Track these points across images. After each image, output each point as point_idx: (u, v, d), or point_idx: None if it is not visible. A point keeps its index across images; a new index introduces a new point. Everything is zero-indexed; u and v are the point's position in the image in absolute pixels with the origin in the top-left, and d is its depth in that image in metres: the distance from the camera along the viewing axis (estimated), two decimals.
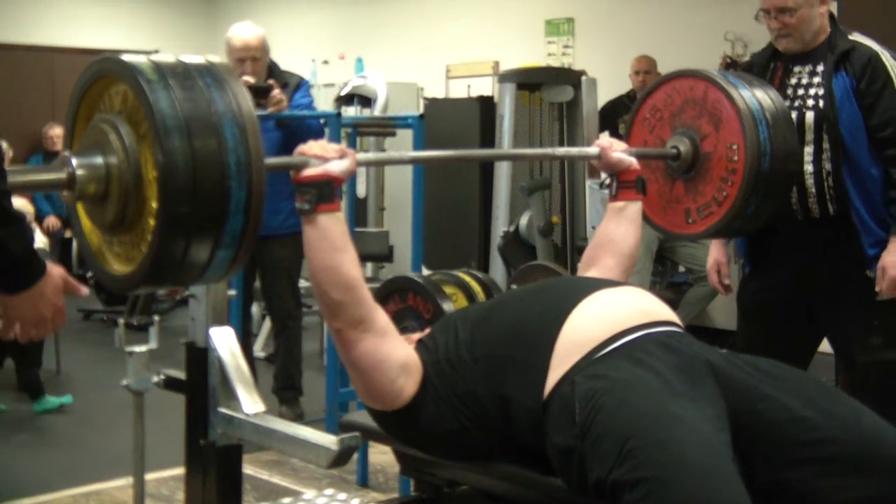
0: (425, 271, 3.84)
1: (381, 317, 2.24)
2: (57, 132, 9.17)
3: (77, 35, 10.74)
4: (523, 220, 5.86)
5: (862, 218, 3.16)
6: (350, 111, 7.68)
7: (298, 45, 9.87)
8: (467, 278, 2.84)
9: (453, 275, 2.86)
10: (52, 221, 8.68)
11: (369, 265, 7.46)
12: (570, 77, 6.63)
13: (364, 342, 2.20)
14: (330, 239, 2.19)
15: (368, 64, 9.16)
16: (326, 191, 2.18)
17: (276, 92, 4.73)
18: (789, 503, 2.05)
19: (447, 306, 2.64)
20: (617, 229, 2.71)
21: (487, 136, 7.21)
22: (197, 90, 1.89)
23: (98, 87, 2.01)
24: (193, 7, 11.55)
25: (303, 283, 5.53)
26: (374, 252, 7.04)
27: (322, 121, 4.96)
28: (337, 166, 2.20)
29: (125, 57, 1.92)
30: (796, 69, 3.27)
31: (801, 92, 3.24)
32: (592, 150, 2.78)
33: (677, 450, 1.87)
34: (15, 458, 4.74)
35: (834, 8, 3.34)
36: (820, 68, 3.22)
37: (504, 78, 6.73)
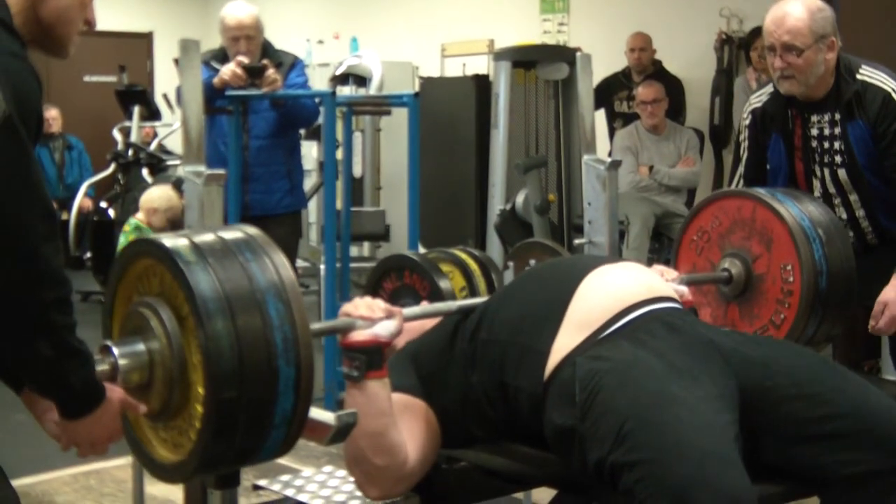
0: (422, 249, 3.85)
1: (412, 452, 2.20)
2: (52, 114, 9.15)
3: None
4: (520, 198, 5.87)
5: None
6: (345, 90, 7.67)
7: (293, 24, 9.84)
8: (464, 256, 2.84)
9: (450, 253, 2.86)
10: None
11: (366, 244, 7.48)
12: (566, 54, 6.63)
13: (410, 484, 2.21)
14: (377, 405, 2.13)
15: (363, 43, 9.14)
16: (376, 358, 2.14)
17: (271, 72, 4.72)
18: (797, 478, 2.07)
19: (444, 284, 2.65)
20: None
21: (483, 114, 7.20)
22: (237, 267, 1.83)
23: (135, 269, 1.95)
24: None
25: (300, 263, 5.54)
26: (371, 231, 7.05)
27: (317, 100, 4.96)
28: (385, 329, 2.16)
29: (163, 239, 1.87)
30: (814, 118, 3.18)
31: (826, 145, 3.17)
32: None
33: (676, 432, 1.87)
34: (14, 438, 4.75)
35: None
36: (837, 117, 3.14)
37: (499, 56, 6.73)
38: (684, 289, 2.57)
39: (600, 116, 6.94)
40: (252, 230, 1.94)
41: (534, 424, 2.15)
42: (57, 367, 1.76)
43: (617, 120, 7.06)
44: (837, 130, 3.14)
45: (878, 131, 3.07)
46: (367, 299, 2.22)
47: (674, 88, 6.81)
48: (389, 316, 2.18)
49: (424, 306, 2.50)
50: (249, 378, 1.78)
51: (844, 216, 3.19)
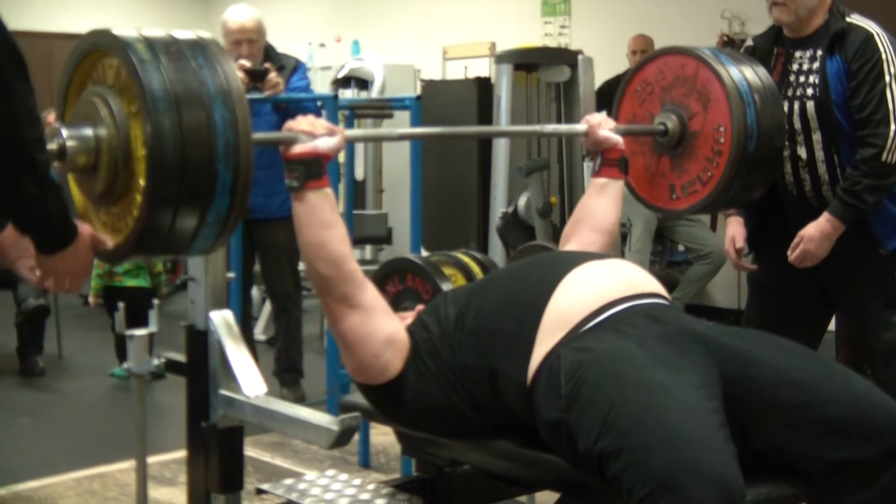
0: (424, 253, 3.85)
1: (369, 292, 2.27)
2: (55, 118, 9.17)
3: (74, 21, 10.70)
4: (521, 201, 5.85)
5: None
6: (347, 94, 7.67)
7: (295, 27, 9.85)
8: (466, 259, 2.84)
9: (452, 256, 2.86)
10: None
11: (368, 247, 7.48)
12: (567, 57, 6.62)
13: (351, 317, 2.23)
14: (318, 215, 2.22)
15: (365, 46, 9.14)
16: (315, 168, 2.21)
17: (273, 75, 4.72)
18: (782, 464, 2.08)
19: (446, 287, 2.65)
20: (597, 205, 2.74)
21: (485, 117, 7.20)
22: (189, 71, 1.92)
23: (91, 58, 2.04)
24: None
25: (302, 267, 5.53)
26: (373, 234, 7.04)
27: (319, 103, 4.96)
28: (325, 143, 2.22)
29: (118, 32, 1.96)
30: (797, 54, 3.24)
31: (801, 79, 3.21)
32: (580, 126, 2.81)
33: (660, 418, 1.89)
34: (18, 442, 4.76)
35: None
36: (819, 53, 3.20)
37: (501, 59, 6.71)
38: (619, 139, 2.77)
39: None
40: (204, 34, 2.04)
41: (517, 412, 2.18)
42: (40, 203, 1.85)
43: None
44: (816, 65, 3.19)
45: (853, 68, 3.12)
46: (311, 117, 2.28)
47: None
48: (331, 133, 2.24)
49: (367, 130, 2.63)
50: (189, 177, 1.89)
51: (804, 156, 3.22)
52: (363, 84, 7.83)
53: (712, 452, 1.85)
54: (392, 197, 8.01)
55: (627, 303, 2.20)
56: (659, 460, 1.83)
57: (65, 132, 1.96)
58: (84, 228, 1.97)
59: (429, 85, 8.25)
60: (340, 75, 7.91)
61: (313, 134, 2.22)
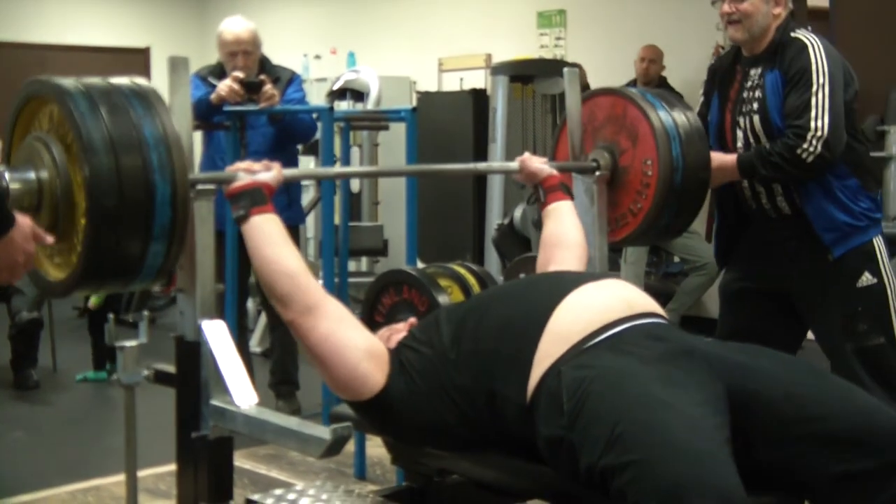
0: (420, 265, 3.85)
1: (334, 304, 2.30)
2: None
3: (69, 33, 10.74)
4: (518, 213, 5.85)
5: (808, 208, 3.20)
6: (343, 105, 7.67)
7: (290, 39, 9.85)
8: (462, 271, 2.84)
9: (448, 267, 2.86)
10: None
11: (364, 259, 7.48)
12: (563, 69, 6.64)
13: (318, 329, 2.26)
14: (265, 236, 2.31)
15: (360, 58, 9.15)
16: (258, 196, 2.33)
17: (269, 87, 4.72)
18: (787, 478, 2.08)
19: (442, 299, 2.65)
20: (561, 225, 2.80)
21: (480, 128, 7.21)
22: (126, 118, 2.05)
23: (33, 104, 2.16)
24: (185, 2, 11.53)
25: None
26: (369, 246, 7.04)
27: (315, 115, 4.96)
28: (265, 176, 2.36)
29: (59, 80, 2.08)
30: (752, 72, 3.29)
31: (750, 95, 3.27)
32: (513, 164, 2.96)
33: (665, 433, 1.88)
34: (12, 455, 4.75)
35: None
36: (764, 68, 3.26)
37: (496, 70, 6.74)
38: (552, 169, 2.91)
39: None
40: (140, 80, 2.17)
41: (516, 431, 2.18)
42: None
43: None
44: (759, 80, 3.26)
45: (787, 78, 3.18)
46: (248, 161, 2.43)
47: None
48: (268, 169, 2.38)
49: (304, 169, 2.77)
50: (127, 189, 2.02)
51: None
52: (359, 96, 7.83)
53: (718, 468, 1.85)
54: (388, 209, 8.01)
55: (628, 323, 2.20)
56: (666, 475, 1.83)
57: (8, 175, 2.07)
58: (22, 219, 1.98)
59: (424, 97, 8.26)
60: (336, 87, 7.91)
61: (252, 170, 2.35)
